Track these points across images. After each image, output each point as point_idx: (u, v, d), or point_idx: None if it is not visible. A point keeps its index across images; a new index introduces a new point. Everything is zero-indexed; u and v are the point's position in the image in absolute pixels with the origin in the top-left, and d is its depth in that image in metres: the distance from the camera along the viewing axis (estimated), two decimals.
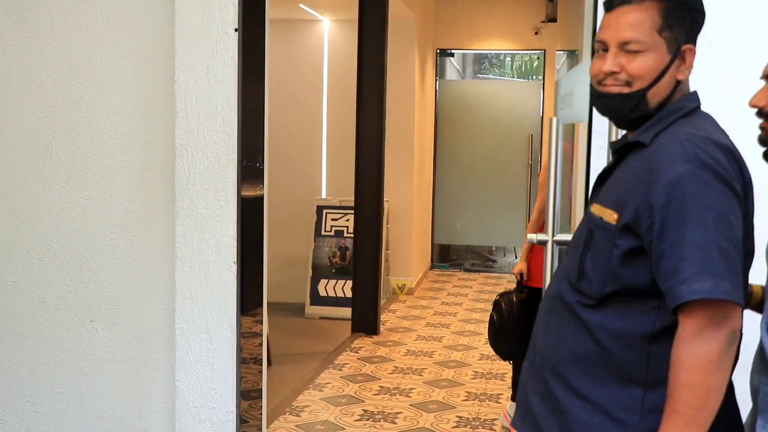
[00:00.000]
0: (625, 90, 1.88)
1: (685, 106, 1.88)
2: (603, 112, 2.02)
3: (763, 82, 1.91)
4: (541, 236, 2.59)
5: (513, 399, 4.90)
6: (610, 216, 1.81)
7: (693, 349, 1.66)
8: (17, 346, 3.83)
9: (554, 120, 2.57)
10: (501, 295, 4.80)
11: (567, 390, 1.87)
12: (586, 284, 1.86)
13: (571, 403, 1.86)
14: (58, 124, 3.73)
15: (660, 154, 1.76)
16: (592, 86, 1.98)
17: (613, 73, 1.89)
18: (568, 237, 2.68)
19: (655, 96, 1.87)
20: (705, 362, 1.65)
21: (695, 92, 1.93)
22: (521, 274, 4.75)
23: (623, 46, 1.87)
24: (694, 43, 1.90)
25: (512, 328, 4.62)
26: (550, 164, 2.59)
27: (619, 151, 1.94)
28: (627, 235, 1.78)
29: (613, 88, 1.89)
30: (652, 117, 1.89)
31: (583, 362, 1.86)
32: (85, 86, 3.70)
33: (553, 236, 2.59)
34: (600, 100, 1.96)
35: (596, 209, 1.88)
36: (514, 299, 4.66)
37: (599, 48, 1.94)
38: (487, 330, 4.85)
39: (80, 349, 3.80)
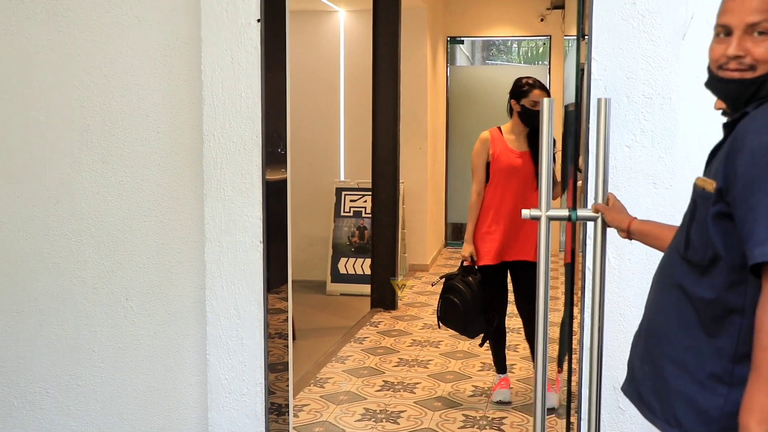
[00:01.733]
0: (748, 75, 1.82)
1: None
2: (721, 97, 1.96)
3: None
4: (534, 212, 2.62)
5: (499, 371, 5.03)
6: (710, 185, 1.81)
7: None
8: (59, 324, 3.86)
9: (546, 101, 2.59)
10: (450, 279, 4.85)
11: (664, 354, 1.90)
12: (692, 252, 1.86)
13: (666, 367, 1.88)
14: (92, 113, 3.74)
15: (749, 123, 1.75)
16: (710, 70, 1.92)
17: (737, 57, 1.82)
18: (562, 213, 2.70)
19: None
20: None
21: None
22: (471, 257, 4.83)
23: (749, 30, 1.80)
24: None
25: (476, 308, 4.72)
26: (542, 143, 2.61)
27: (729, 125, 1.89)
28: (720, 200, 1.78)
29: (735, 73, 1.83)
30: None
31: (683, 327, 1.87)
32: (117, 76, 3.70)
33: (546, 211, 2.62)
34: (720, 85, 1.90)
35: (700, 181, 1.88)
36: (472, 281, 4.74)
37: (720, 32, 1.87)
38: (443, 314, 4.88)
39: (117, 325, 3.82)
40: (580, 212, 2.61)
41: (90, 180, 3.77)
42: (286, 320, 3.80)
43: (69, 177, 3.78)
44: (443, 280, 4.93)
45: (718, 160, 1.83)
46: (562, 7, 9.65)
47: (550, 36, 10.40)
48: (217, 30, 3.45)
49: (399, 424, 4.57)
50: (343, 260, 8.05)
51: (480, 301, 4.71)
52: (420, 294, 7.91)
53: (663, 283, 1.98)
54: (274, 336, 3.72)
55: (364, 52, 7.79)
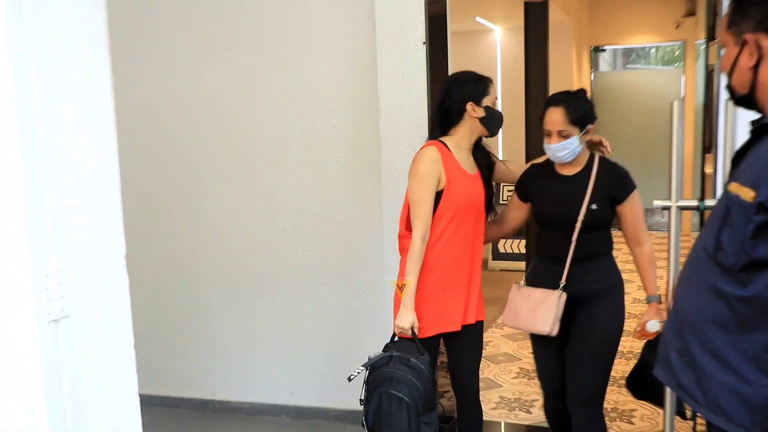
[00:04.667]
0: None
1: None
2: None
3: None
4: (666, 202, 2.48)
5: None
6: (747, 194, 1.58)
7: None
8: (270, 296, 3.99)
9: (676, 103, 2.41)
10: (381, 366, 2.67)
11: (703, 349, 1.69)
12: (722, 256, 1.64)
13: (706, 361, 1.67)
14: (291, 126, 3.83)
15: None
16: None
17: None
18: (691, 203, 2.51)
19: (735, 84, 1.71)
20: None
21: None
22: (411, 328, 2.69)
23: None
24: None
25: (430, 404, 2.66)
26: (673, 141, 2.46)
27: (756, 131, 1.68)
28: (762, 212, 1.55)
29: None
30: (751, 102, 1.68)
31: (718, 325, 1.65)
32: (310, 95, 3.77)
33: (676, 202, 2.46)
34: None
35: (734, 187, 1.64)
36: (419, 363, 2.63)
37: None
38: (374, 419, 2.65)
39: (314, 297, 3.91)
40: (708, 202, 2.41)
41: (290, 179, 3.86)
42: None
43: (275, 178, 3.89)
44: (366, 370, 2.70)
45: (757, 169, 1.58)
46: (695, 14, 9.09)
47: (685, 41, 9.77)
48: (389, 53, 3.43)
49: None
50: (502, 241, 7.91)
51: (433, 394, 2.69)
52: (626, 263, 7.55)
53: (694, 281, 1.74)
54: None
55: (517, 65, 7.59)
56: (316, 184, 3.81)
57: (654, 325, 2.65)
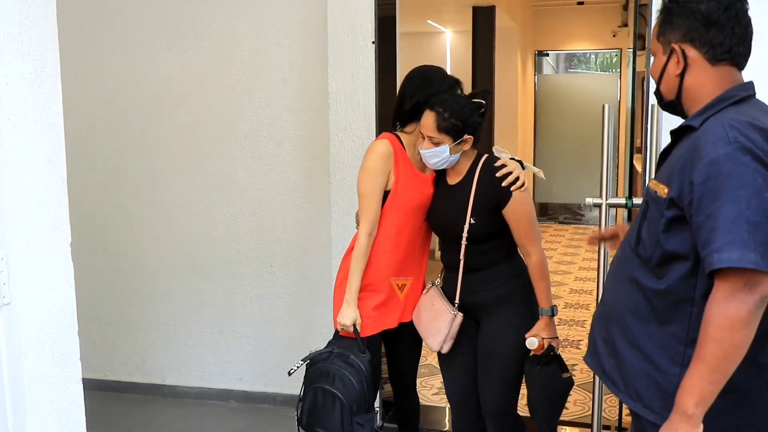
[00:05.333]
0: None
1: (735, 94, 1.62)
2: None
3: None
4: (597, 200, 2.49)
5: None
6: (662, 190, 1.61)
7: (725, 308, 1.46)
8: (219, 284, 3.94)
9: (606, 106, 2.47)
10: (319, 361, 2.54)
11: (624, 338, 1.71)
12: (642, 249, 1.67)
13: (626, 349, 1.70)
14: (244, 118, 3.78)
15: (704, 136, 1.54)
16: None
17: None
18: (620, 201, 2.54)
19: (664, 90, 1.73)
20: (734, 321, 1.45)
21: (750, 82, 1.67)
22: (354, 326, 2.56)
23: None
24: (694, 42, 1.64)
25: (366, 403, 2.54)
26: (604, 142, 2.49)
27: (676, 133, 1.72)
28: (673, 207, 1.58)
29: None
30: (677, 107, 1.72)
31: (636, 316, 1.68)
32: (262, 89, 3.73)
33: (606, 200, 2.50)
34: None
35: (653, 184, 1.68)
36: (358, 361, 2.51)
37: None
38: (310, 414, 2.52)
39: (263, 286, 3.87)
40: (636, 200, 2.45)
41: (243, 171, 3.81)
42: None
43: (227, 169, 3.83)
44: (305, 363, 2.57)
45: (671, 167, 1.62)
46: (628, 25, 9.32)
47: (621, 49, 10.00)
48: (340, 51, 3.39)
49: None
50: None
51: (372, 395, 2.57)
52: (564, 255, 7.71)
53: (619, 274, 1.78)
54: None
55: (465, 67, 7.63)
56: (267, 176, 3.77)
57: (531, 343, 2.37)
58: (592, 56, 15.47)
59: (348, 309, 2.54)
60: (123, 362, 4.11)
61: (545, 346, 2.38)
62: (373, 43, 3.34)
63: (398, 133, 2.63)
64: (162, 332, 4.05)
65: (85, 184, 3.93)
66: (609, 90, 10.19)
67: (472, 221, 2.42)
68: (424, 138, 2.46)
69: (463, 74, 7.57)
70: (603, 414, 2.84)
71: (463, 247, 2.44)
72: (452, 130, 2.40)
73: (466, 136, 2.42)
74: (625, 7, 8.77)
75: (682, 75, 1.67)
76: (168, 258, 3.98)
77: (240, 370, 3.95)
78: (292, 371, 2.53)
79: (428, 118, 2.43)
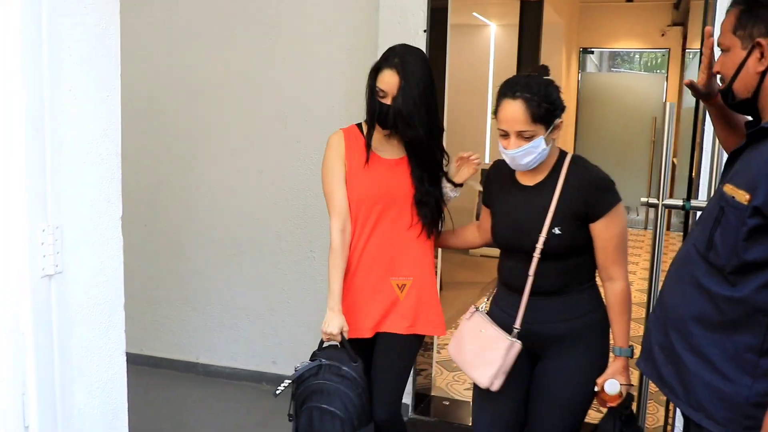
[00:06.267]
0: (723, 85, 1.67)
1: None
2: None
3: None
4: (652, 200, 2.41)
5: None
6: (742, 196, 1.51)
7: None
8: (259, 266, 3.94)
9: (668, 105, 2.37)
10: (308, 377, 2.35)
11: (685, 345, 1.62)
12: (714, 255, 1.58)
13: (688, 357, 1.61)
14: (289, 103, 3.76)
15: None
16: None
17: (718, 73, 1.70)
18: (677, 202, 2.46)
19: (738, 88, 1.61)
20: None
21: None
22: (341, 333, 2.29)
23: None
24: None
25: (366, 417, 2.30)
26: (664, 140, 2.39)
27: (755, 135, 1.59)
28: (757, 215, 1.49)
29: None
30: (752, 106, 1.61)
31: (701, 323, 1.60)
32: (310, 76, 3.71)
33: (662, 200, 2.42)
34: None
35: (729, 189, 1.57)
36: (351, 372, 2.28)
37: None
38: None
39: (302, 270, 3.86)
40: (694, 202, 2.38)
41: (287, 155, 3.80)
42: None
43: (272, 153, 3.83)
44: (293, 382, 2.35)
45: (754, 172, 1.51)
46: (680, 24, 9.06)
47: (669, 49, 9.78)
48: (391, 38, 3.34)
49: None
50: None
51: (369, 404, 2.30)
52: None
53: (682, 278, 1.67)
54: None
55: (510, 61, 7.53)
56: (311, 160, 3.75)
57: (614, 386, 1.97)
58: (636, 55, 15.21)
59: (333, 315, 2.26)
60: (158, 338, 4.14)
61: (623, 394, 2.00)
62: (425, 31, 3.30)
63: (364, 120, 2.39)
64: (198, 311, 4.07)
65: (130, 161, 3.94)
66: (654, 91, 10.01)
67: (557, 230, 2.00)
68: (505, 135, 2.02)
69: (507, 68, 7.49)
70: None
71: (534, 262, 2.01)
72: (546, 116, 1.98)
73: (557, 121, 2.01)
74: (677, 6, 8.58)
75: (764, 72, 1.57)
76: (207, 238, 3.99)
77: (273, 354, 3.96)
78: (277, 392, 2.26)
79: (514, 109, 1.98)
